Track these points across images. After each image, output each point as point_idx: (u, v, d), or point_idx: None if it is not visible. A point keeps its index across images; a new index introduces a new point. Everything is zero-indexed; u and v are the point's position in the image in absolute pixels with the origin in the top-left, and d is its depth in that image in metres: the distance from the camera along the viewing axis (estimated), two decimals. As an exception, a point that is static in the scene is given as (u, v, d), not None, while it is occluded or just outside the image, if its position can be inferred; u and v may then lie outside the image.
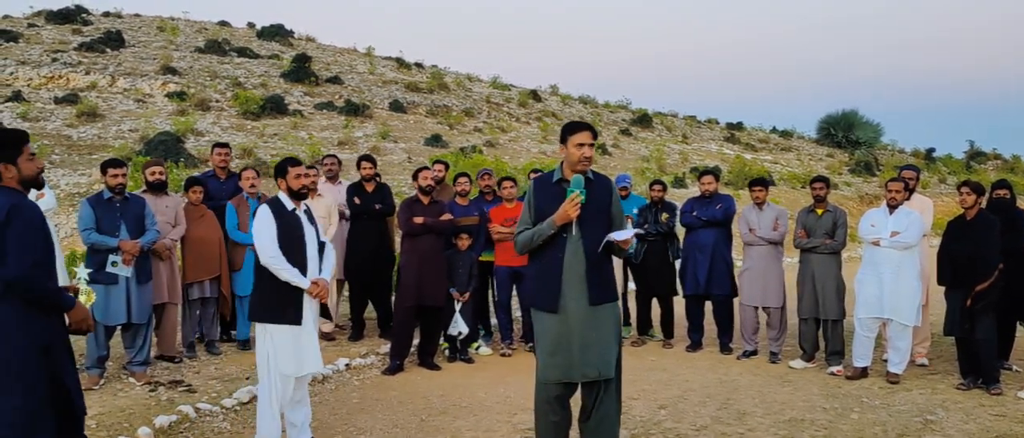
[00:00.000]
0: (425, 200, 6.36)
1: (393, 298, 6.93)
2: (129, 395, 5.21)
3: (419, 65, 35.44)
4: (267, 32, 34.67)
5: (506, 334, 7.07)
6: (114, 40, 27.29)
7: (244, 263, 6.43)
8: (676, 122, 35.80)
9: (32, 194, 3.30)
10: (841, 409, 5.22)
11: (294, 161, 4.36)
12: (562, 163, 3.78)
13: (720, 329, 7.08)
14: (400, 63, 34.29)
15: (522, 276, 6.72)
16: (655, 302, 7.46)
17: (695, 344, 7.17)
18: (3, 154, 3.02)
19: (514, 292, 7.05)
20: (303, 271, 4.19)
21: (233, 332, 6.89)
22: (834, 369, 6.17)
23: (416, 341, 6.56)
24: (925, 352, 6.50)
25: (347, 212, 7.22)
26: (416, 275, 6.19)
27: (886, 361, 6.08)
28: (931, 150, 34.15)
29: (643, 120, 32.44)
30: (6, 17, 31.66)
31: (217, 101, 21.77)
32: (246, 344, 6.53)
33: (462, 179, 6.99)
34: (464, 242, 6.61)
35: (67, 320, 3.12)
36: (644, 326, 7.61)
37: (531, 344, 6.72)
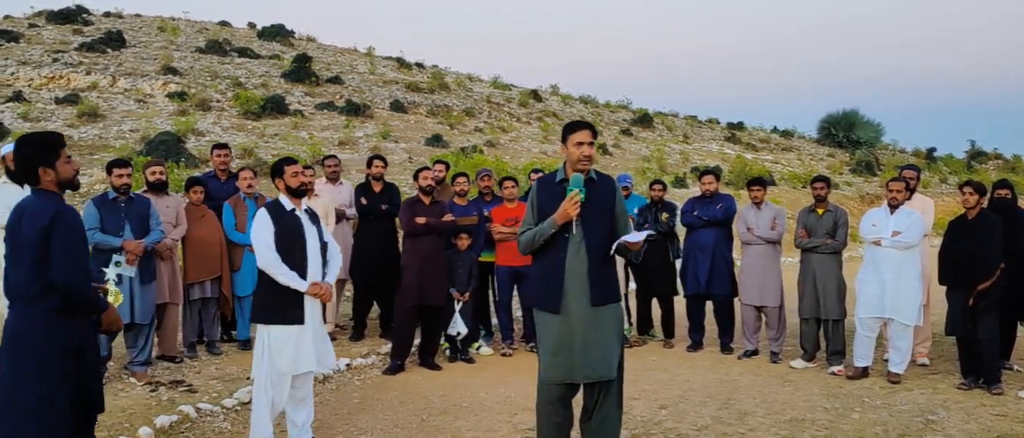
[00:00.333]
0: (426, 200, 6.37)
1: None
2: (130, 395, 5.21)
3: (420, 65, 35.45)
4: (268, 32, 34.70)
5: (507, 334, 7.07)
6: (115, 40, 27.31)
7: (243, 263, 6.42)
8: (677, 122, 35.82)
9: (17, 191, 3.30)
10: (842, 409, 5.21)
11: (289, 160, 4.38)
12: (565, 163, 3.78)
13: (721, 329, 7.08)
14: (401, 63, 34.31)
15: (523, 276, 6.72)
16: (655, 302, 7.47)
17: (696, 344, 7.17)
18: (42, 157, 3.02)
19: (515, 292, 7.05)
20: (304, 272, 4.19)
21: (234, 332, 6.89)
22: (835, 369, 6.16)
23: (417, 341, 6.56)
24: (926, 352, 6.50)
25: (347, 212, 7.22)
26: (417, 275, 6.19)
27: (887, 361, 6.07)
28: (932, 150, 34.19)
29: (644, 120, 32.45)
30: (7, 17, 31.72)
31: (218, 101, 21.77)
32: (247, 344, 6.53)
33: (460, 179, 6.97)
34: (464, 242, 6.61)
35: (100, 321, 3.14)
36: (644, 326, 7.61)
37: (532, 344, 6.72)
